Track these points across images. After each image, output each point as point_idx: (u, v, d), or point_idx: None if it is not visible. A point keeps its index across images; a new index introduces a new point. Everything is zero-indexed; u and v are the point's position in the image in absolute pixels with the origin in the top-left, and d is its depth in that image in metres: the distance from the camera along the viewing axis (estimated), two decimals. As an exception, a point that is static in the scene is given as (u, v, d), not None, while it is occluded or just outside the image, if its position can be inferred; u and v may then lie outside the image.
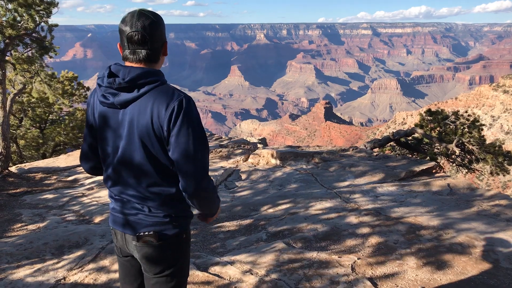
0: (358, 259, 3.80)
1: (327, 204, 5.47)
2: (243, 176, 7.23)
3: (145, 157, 1.93)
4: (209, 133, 12.17)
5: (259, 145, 9.53)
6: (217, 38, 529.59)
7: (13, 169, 9.36)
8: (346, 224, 4.72)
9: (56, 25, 8.64)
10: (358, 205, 5.38)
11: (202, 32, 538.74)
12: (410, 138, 10.05)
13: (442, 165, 8.53)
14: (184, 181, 1.92)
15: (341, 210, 5.22)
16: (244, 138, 10.93)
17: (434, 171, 6.73)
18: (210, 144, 9.67)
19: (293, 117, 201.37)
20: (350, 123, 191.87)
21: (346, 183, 6.31)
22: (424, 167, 6.69)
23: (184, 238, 2.09)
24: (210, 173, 7.00)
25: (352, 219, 4.88)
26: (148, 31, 1.89)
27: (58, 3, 8.19)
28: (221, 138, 11.20)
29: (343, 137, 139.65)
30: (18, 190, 7.64)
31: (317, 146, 9.17)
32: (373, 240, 4.23)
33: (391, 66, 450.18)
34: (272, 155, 7.82)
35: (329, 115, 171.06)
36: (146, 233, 2.00)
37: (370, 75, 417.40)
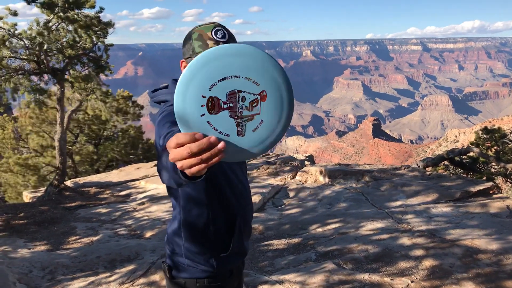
0: (412, 282, 3.67)
1: (378, 224, 5.33)
2: (291, 194, 7.18)
3: None
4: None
5: (306, 163, 9.46)
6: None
7: (68, 183, 9.76)
8: (399, 246, 4.57)
9: (112, 45, 9.01)
10: (411, 226, 5.21)
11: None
12: (465, 157, 9.68)
13: (499, 185, 8.14)
14: None
15: (393, 231, 5.07)
16: (291, 155, 10.89)
17: (491, 191, 6.43)
18: (258, 160, 9.70)
19: (340, 133, 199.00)
20: (399, 140, 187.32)
21: (398, 203, 6.14)
22: (480, 187, 6.41)
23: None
24: (258, 190, 7.02)
25: (405, 240, 4.72)
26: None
27: (114, 24, 8.56)
28: (268, 155, 11.21)
29: (392, 155, 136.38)
30: (73, 204, 7.94)
31: (367, 164, 9.00)
32: (427, 263, 4.07)
33: (442, 82, 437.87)
34: (321, 173, 7.74)
35: (377, 132, 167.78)
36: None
37: (420, 91, 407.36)
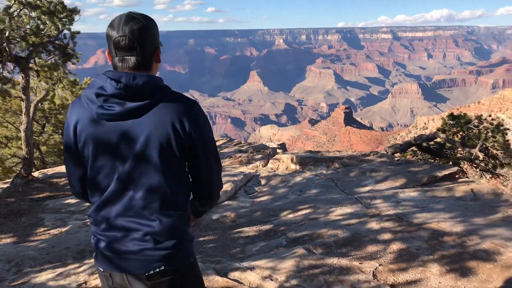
0: (380, 265, 3.74)
1: (348, 209, 5.41)
2: (263, 182, 7.21)
3: (163, 174, 1.74)
4: (228, 139, 12.22)
5: (278, 150, 9.50)
6: (236, 44, 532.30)
7: (36, 174, 9.53)
8: (367, 230, 4.65)
9: (78, 32, 8.78)
10: (379, 210, 5.31)
11: (222, 38, 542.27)
12: (432, 142, 9.90)
13: (465, 170, 8.37)
14: (204, 189, 1.89)
15: (362, 215, 5.16)
16: (264, 144, 10.92)
17: (457, 176, 6.60)
18: (229, 149, 9.69)
19: (313, 122, 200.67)
20: (370, 128, 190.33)
21: (367, 189, 6.24)
22: (446, 172, 6.57)
23: (193, 261, 1.91)
24: (230, 178, 7.02)
25: (373, 225, 4.81)
26: (136, 35, 1.69)
27: (80, 11, 8.34)
28: (241, 143, 11.21)
29: (363, 142, 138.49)
30: (41, 195, 7.77)
31: (337, 151, 9.11)
32: (395, 246, 4.16)
33: (411, 70, 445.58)
34: (292, 160, 7.79)
35: (349, 120, 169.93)
36: (157, 270, 1.77)
37: (391, 80, 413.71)
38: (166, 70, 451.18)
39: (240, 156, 8.71)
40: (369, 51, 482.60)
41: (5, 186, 8.83)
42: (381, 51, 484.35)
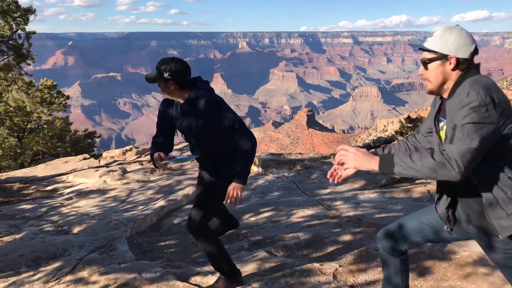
0: (340, 266, 3.79)
1: (309, 211, 5.46)
2: (225, 184, 7.18)
3: None
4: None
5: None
6: (200, 46, 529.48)
7: (-11, 179, 9.15)
8: (328, 232, 4.71)
9: (34, 33, 8.52)
10: (339, 212, 5.39)
11: (185, 40, 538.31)
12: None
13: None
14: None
15: (323, 217, 5.22)
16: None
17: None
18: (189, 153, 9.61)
19: (276, 124, 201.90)
20: (332, 130, 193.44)
21: (328, 190, 6.32)
22: (404, 173, 6.73)
23: None
24: (191, 182, 6.95)
25: (334, 226, 4.88)
26: None
27: (35, 10, 8.08)
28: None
29: (326, 144, 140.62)
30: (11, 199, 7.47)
31: (299, 153, 9.19)
32: (355, 247, 4.22)
33: (372, 74, 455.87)
34: (254, 163, 7.80)
35: (312, 123, 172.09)
36: None
37: (352, 83, 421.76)
38: (128, 72, 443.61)
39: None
40: (330, 55, 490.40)
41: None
42: (343, 55, 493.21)
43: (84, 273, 4.04)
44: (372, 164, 2.07)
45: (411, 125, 10.10)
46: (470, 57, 2.08)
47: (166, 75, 3.09)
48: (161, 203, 6.14)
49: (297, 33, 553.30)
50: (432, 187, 6.24)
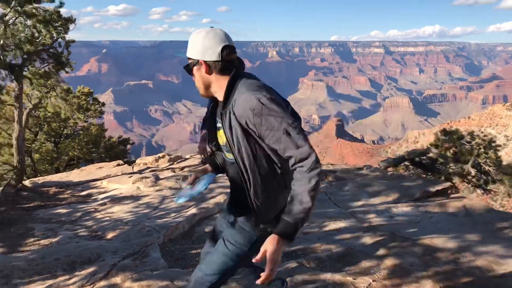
0: (373, 281, 3.73)
1: (342, 224, 5.40)
2: (256, 194, 7.18)
3: None
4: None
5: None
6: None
7: (27, 183, 9.43)
8: (361, 245, 4.64)
9: (73, 41, 8.77)
10: (373, 225, 5.30)
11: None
12: (424, 157, 9.95)
13: (457, 186, 8.42)
14: None
15: (356, 230, 5.15)
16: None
17: (449, 192, 6.63)
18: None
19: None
20: (361, 140, 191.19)
21: (361, 203, 6.24)
22: (439, 187, 6.60)
23: None
24: (223, 190, 6.98)
25: (367, 239, 4.80)
26: None
27: (75, 20, 8.34)
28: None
29: (355, 155, 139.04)
30: (31, 205, 7.68)
31: (331, 164, 9.13)
32: (389, 262, 4.15)
33: (403, 84, 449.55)
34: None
35: (341, 133, 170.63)
36: None
37: (382, 93, 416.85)
38: (160, 79, 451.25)
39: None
40: (361, 65, 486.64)
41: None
42: (374, 65, 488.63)
43: (117, 279, 4.10)
44: (283, 247, 1.96)
45: (446, 137, 9.91)
46: (220, 59, 2.08)
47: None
48: (193, 210, 6.19)
49: (328, 42, 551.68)
50: (468, 201, 6.09)
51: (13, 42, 7.54)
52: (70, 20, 8.13)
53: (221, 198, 6.64)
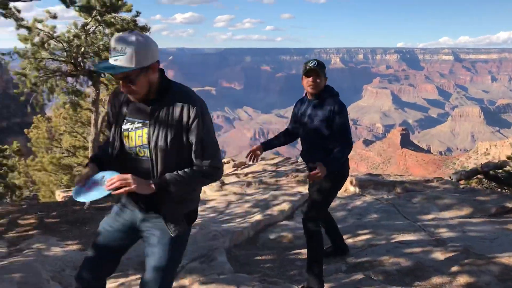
0: (447, 299, 3.57)
1: (411, 237, 5.23)
2: (320, 203, 7.11)
3: None
4: (284, 157, 12.19)
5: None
6: (292, 62, 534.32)
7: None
8: (432, 260, 4.46)
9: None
10: (444, 240, 5.08)
11: (278, 56, 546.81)
12: (500, 171, 9.41)
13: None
14: None
15: (426, 244, 4.96)
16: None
17: (529, 208, 6.21)
18: (286, 168, 9.67)
19: (367, 142, 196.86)
20: (428, 151, 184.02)
21: (431, 216, 6.01)
22: (518, 203, 6.21)
23: None
24: (287, 198, 6.99)
25: (438, 255, 4.61)
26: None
27: (150, 28, 8.71)
28: (297, 162, 11.16)
29: (420, 166, 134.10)
30: (104, 204, 8.07)
31: (398, 175, 8.86)
32: (462, 279, 3.96)
33: (473, 93, 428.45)
34: (351, 183, 7.65)
35: (406, 142, 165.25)
36: None
37: (451, 102, 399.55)
38: (223, 86, 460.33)
39: (296, 176, 8.66)
40: (429, 72, 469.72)
41: (71, 194, 9.25)
42: (442, 72, 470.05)
43: (185, 281, 4.20)
44: (149, 189, 2.23)
45: (524, 150, 9.30)
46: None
47: (325, 71, 3.83)
48: (257, 217, 6.24)
49: (393, 49, 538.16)
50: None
51: (92, 49, 8.02)
52: (145, 28, 8.52)
53: (285, 206, 6.65)
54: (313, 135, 3.91)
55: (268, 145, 4.22)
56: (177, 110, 2.24)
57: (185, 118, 2.24)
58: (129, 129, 2.31)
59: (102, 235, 2.55)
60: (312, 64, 3.72)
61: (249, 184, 8.23)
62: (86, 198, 2.26)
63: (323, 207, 4.05)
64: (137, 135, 2.30)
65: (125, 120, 2.33)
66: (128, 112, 2.33)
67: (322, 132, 3.84)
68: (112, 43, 2.09)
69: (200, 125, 2.27)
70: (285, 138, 4.29)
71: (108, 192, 2.19)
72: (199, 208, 7.20)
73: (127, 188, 2.17)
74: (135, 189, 2.17)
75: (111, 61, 2.09)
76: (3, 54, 8.78)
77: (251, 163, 4.62)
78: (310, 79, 3.77)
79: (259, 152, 4.06)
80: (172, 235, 2.39)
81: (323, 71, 3.76)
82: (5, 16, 6.19)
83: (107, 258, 2.57)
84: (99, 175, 2.34)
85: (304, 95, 4.11)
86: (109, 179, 2.19)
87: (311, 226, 3.90)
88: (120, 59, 2.08)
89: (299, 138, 4.17)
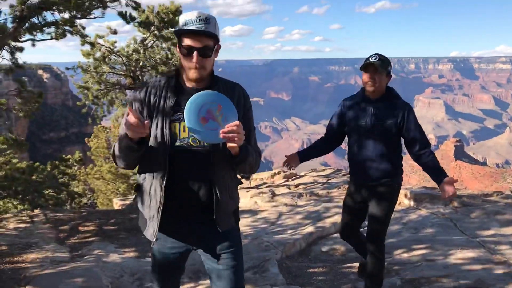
0: (510, 319, 3.44)
1: (469, 253, 5.06)
2: (373, 216, 7.01)
3: None
4: (336, 168, 12.12)
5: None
6: (341, 72, 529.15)
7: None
8: (493, 278, 4.31)
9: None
10: (506, 257, 4.88)
11: (326, 66, 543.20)
12: None
13: None
14: None
15: (486, 261, 4.79)
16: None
17: None
18: (338, 179, 9.59)
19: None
20: (484, 163, 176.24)
21: (491, 232, 5.78)
22: None
23: None
24: (339, 210, 6.92)
25: (500, 273, 4.44)
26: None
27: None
28: (347, 172, 11.05)
29: (476, 179, 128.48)
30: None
31: (456, 188, 8.58)
32: (527, 299, 3.80)
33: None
34: (405, 196, 7.49)
35: (460, 154, 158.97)
36: None
37: (509, 113, 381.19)
38: (271, 97, 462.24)
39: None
40: (484, 82, 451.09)
41: (127, 202, 9.60)
42: (499, 82, 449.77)
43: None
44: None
45: None
46: None
47: (389, 69, 3.41)
48: (309, 229, 6.23)
49: (447, 58, 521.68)
50: None
51: (150, 63, 8.35)
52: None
53: (337, 218, 6.59)
54: (378, 142, 3.44)
55: (305, 156, 3.73)
56: (234, 96, 2.25)
57: (242, 103, 2.29)
58: (180, 119, 2.18)
59: (159, 262, 2.52)
60: (374, 58, 3.29)
61: (300, 195, 8.23)
62: (201, 136, 2.07)
63: (388, 223, 3.74)
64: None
65: (172, 110, 2.20)
66: (176, 101, 2.20)
67: (392, 140, 3.46)
68: (194, 15, 2.07)
69: (251, 111, 2.38)
70: (322, 147, 3.80)
71: (222, 140, 2.05)
72: (251, 219, 7.29)
73: (234, 144, 2.06)
74: (240, 142, 2.06)
75: (191, 27, 2.07)
76: (67, 68, 9.36)
77: (289, 170, 4.38)
78: (368, 75, 3.34)
79: (293, 165, 3.68)
80: (220, 231, 2.27)
81: (385, 67, 3.32)
82: (71, 33, 6.61)
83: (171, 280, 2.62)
84: (213, 103, 2.07)
85: (356, 93, 3.68)
86: (229, 125, 2.01)
87: (379, 243, 3.70)
88: (206, 26, 2.08)
89: (350, 148, 3.64)
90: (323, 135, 3.82)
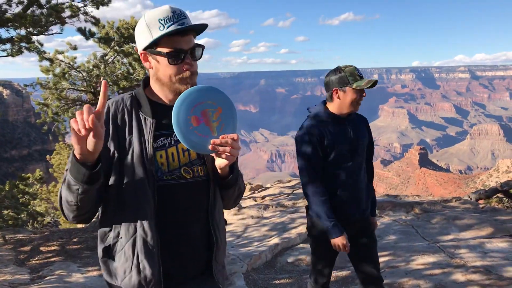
0: (469, 322, 3.53)
1: (430, 258, 5.18)
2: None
3: None
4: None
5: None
6: (307, 84, 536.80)
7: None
8: (452, 282, 4.42)
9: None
10: (464, 261, 5.03)
11: (292, 78, 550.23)
12: (520, 189, 9.27)
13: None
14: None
15: (446, 266, 4.92)
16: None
17: (551, 227, 6.11)
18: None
19: (385, 162, 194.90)
20: (447, 170, 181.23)
21: (450, 237, 5.94)
22: (539, 222, 6.11)
23: None
24: (304, 220, 6.97)
25: (459, 276, 4.56)
26: None
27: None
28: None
29: (440, 185, 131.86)
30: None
31: (416, 195, 8.80)
32: (484, 301, 3.91)
33: (492, 110, 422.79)
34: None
35: (424, 162, 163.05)
36: None
37: (469, 120, 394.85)
38: (239, 109, 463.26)
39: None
40: (445, 91, 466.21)
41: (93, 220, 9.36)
42: (459, 90, 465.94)
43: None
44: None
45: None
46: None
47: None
48: (275, 240, 6.25)
49: (409, 68, 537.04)
50: None
51: (111, 79, 8.26)
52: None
53: (302, 229, 6.64)
54: (360, 165, 2.96)
55: (338, 221, 2.84)
56: None
57: None
58: (166, 145, 1.67)
59: None
60: (368, 78, 2.87)
61: (266, 207, 8.25)
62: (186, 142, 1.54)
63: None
64: (182, 149, 1.69)
65: (153, 136, 1.65)
66: (156, 124, 1.66)
67: (368, 158, 3.14)
68: (168, 11, 1.58)
69: None
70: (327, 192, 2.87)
71: (209, 152, 1.55)
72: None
73: (225, 161, 1.58)
74: (232, 159, 1.58)
75: (175, 26, 1.57)
76: (26, 85, 9.13)
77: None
78: (363, 93, 2.97)
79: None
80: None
81: None
82: (29, 50, 6.46)
83: None
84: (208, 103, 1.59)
85: (315, 114, 3.08)
86: (225, 136, 1.54)
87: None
88: (187, 22, 1.62)
89: (333, 178, 2.88)
90: (319, 182, 2.85)
